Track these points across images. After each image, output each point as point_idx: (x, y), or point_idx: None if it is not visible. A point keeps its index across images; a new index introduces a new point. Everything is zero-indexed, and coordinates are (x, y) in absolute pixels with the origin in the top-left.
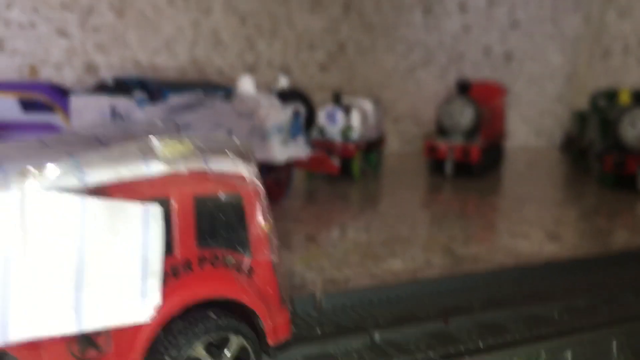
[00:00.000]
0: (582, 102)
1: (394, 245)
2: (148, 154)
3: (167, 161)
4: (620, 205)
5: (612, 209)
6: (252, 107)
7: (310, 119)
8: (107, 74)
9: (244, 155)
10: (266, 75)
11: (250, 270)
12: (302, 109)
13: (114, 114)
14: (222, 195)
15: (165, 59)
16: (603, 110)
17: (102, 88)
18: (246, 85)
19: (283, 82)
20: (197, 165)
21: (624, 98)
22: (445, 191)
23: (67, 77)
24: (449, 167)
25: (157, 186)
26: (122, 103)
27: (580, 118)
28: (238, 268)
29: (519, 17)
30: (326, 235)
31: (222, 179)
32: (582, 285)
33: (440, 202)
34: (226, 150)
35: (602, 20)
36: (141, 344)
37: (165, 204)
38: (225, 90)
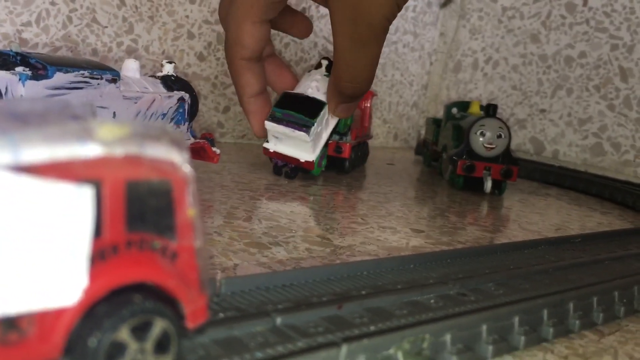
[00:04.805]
0: (435, 109)
1: (275, 234)
2: (86, 135)
3: (104, 144)
4: (468, 205)
5: (462, 208)
6: (137, 91)
7: (193, 108)
8: None
9: (176, 142)
10: (143, 61)
11: (174, 255)
12: (186, 98)
13: None
14: (153, 180)
15: (36, 33)
16: (457, 119)
17: None
18: (131, 69)
19: (168, 69)
20: (132, 149)
21: (475, 109)
22: (319, 183)
23: None
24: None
25: (91, 168)
26: (3, 77)
27: (434, 124)
28: (163, 253)
29: None
30: (209, 222)
31: (155, 164)
32: (450, 275)
33: (314, 194)
34: (160, 136)
35: (455, 37)
36: (64, 326)
37: (97, 186)
38: (112, 73)
